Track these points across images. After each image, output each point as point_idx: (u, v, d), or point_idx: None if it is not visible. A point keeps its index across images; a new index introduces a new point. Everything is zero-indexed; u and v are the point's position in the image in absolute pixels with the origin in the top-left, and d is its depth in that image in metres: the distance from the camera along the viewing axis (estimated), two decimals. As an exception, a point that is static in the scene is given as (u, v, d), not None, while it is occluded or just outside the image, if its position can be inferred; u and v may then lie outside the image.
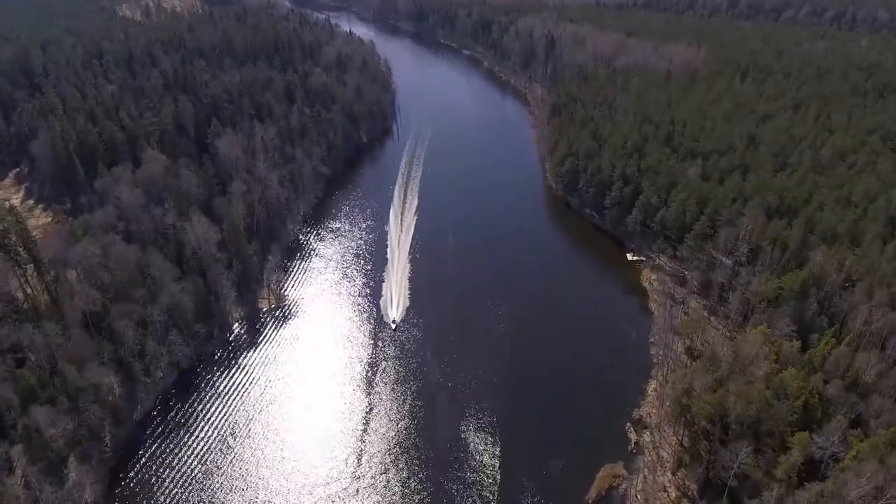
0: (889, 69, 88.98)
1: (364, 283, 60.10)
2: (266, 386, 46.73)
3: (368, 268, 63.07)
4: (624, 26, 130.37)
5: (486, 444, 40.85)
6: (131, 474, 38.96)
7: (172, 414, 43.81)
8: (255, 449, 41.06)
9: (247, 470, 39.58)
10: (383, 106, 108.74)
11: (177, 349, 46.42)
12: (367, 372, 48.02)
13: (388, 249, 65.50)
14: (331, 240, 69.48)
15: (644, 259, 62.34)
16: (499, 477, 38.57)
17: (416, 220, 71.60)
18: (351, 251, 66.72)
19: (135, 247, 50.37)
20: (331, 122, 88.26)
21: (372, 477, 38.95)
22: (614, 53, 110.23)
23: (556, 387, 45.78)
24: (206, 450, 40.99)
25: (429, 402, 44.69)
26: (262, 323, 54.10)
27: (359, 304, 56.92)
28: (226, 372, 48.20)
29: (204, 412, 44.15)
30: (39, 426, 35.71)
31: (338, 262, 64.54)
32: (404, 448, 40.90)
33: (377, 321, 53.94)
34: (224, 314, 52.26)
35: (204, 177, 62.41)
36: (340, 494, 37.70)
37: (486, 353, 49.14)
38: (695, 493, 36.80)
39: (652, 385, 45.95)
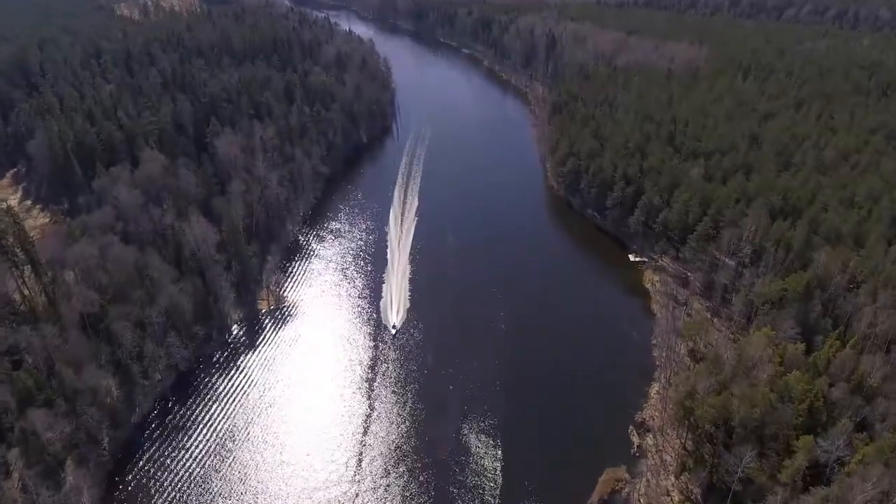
0: (891, 68, 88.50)
1: (364, 285, 59.78)
2: (265, 388, 46.43)
3: (368, 269, 62.72)
4: (625, 24, 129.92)
5: (488, 447, 40.56)
6: (129, 478, 38.64)
7: (171, 417, 43.49)
8: (255, 452, 40.77)
9: (246, 473, 39.28)
10: (383, 105, 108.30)
11: (175, 351, 46.06)
12: (367, 374, 47.72)
13: (388, 251, 65.18)
14: (330, 240, 69.11)
15: (646, 260, 61.97)
16: (500, 480, 38.29)
17: (417, 220, 71.24)
18: (351, 252, 66.37)
19: (133, 247, 49.98)
20: (330, 122, 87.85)
21: (372, 481, 38.63)
22: (615, 52, 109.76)
23: (557, 389, 45.49)
24: (205, 453, 40.68)
25: (429, 404, 44.40)
26: (262, 324, 53.78)
27: (359, 306, 56.60)
28: (225, 374, 47.88)
29: (203, 415, 43.83)
30: (36, 429, 35.35)
31: (337, 263, 64.18)
32: (405, 451, 40.59)
33: (377, 323, 53.63)
34: (223, 316, 51.92)
35: (203, 177, 62.02)
36: (340, 498, 37.40)
37: (487, 354, 48.81)
38: (698, 497, 36.52)
39: (654, 387, 45.64)
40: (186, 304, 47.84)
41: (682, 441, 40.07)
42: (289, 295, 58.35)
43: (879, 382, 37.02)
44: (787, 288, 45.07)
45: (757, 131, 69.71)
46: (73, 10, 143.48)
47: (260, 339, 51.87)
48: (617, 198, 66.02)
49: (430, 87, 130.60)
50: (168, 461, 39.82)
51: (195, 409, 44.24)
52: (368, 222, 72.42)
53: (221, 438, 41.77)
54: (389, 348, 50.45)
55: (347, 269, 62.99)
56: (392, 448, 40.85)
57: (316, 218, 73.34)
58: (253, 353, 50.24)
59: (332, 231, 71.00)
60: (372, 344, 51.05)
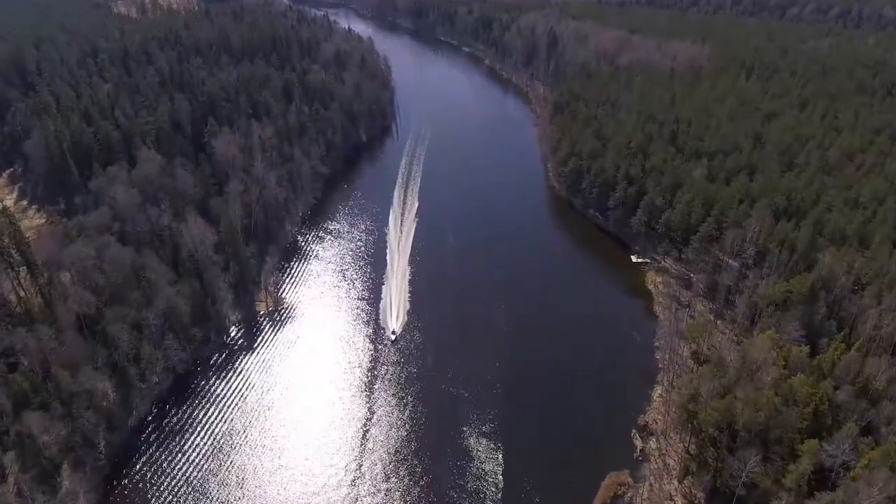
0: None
1: (363, 286, 59.32)
2: (263, 391, 46.01)
3: (368, 270, 62.26)
4: (627, 23, 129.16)
5: (489, 451, 40.16)
6: (126, 482, 38.23)
7: (168, 420, 43.05)
8: (253, 456, 40.35)
9: (244, 478, 38.86)
10: (383, 104, 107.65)
11: (172, 353, 45.60)
12: (367, 376, 47.31)
13: (388, 252, 64.66)
14: (330, 241, 68.61)
15: (649, 261, 61.53)
16: (501, 484, 37.93)
17: (416, 220, 70.77)
18: (350, 253, 65.87)
19: (130, 248, 49.47)
20: (329, 121, 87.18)
21: (372, 485, 38.24)
22: (617, 51, 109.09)
23: (559, 391, 45.13)
24: (203, 457, 40.27)
25: (429, 406, 44.01)
26: (260, 326, 53.33)
27: (358, 307, 56.15)
28: (223, 376, 47.43)
29: (200, 418, 43.40)
30: (32, 432, 35.02)
31: (337, 264, 63.70)
32: (405, 455, 40.20)
33: (376, 324, 53.21)
34: (221, 317, 51.44)
35: (200, 177, 61.50)
36: (340, 503, 36.99)
37: (487, 355, 48.41)
38: (702, 501, 36.18)
39: (657, 390, 45.25)
40: (184, 305, 47.38)
41: (686, 445, 39.70)
42: (287, 296, 57.89)
43: (885, 385, 36.78)
44: (792, 290, 44.74)
45: (760, 131, 69.32)
46: (71, 8, 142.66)
47: (258, 341, 51.43)
48: (619, 198, 65.54)
49: (431, 85, 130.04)
50: (165, 465, 39.43)
51: (193, 412, 43.81)
52: (368, 223, 71.93)
53: (219, 442, 41.36)
54: (389, 350, 50.04)
55: (347, 270, 62.53)
56: (392, 451, 40.46)
57: (315, 218, 72.84)
58: (251, 355, 49.81)
59: (331, 232, 70.53)
60: (371, 346, 50.65)
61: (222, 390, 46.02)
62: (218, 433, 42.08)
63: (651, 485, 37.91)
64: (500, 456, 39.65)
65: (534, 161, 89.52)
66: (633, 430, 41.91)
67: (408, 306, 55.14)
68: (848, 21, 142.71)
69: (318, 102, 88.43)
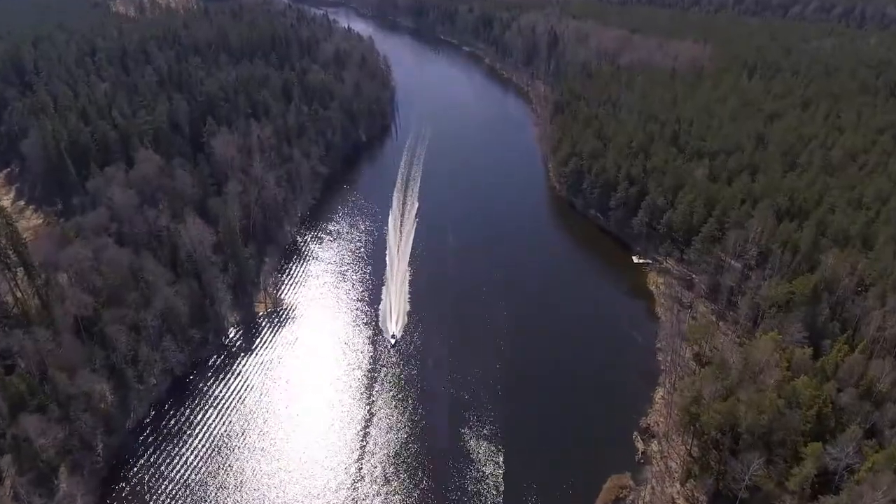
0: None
1: (363, 287, 59.01)
2: (263, 393, 45.72)
3: (368, 271, 61.94)
4: (628, 22, 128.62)
5: (489, 453, 39.91)
6: (124, 485, 37.95)
7: (166, 422, 42.77)
8: (251, 459, 40.07)
9: (242, 480, 38.59)
10: (382, 104, 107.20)
11: (171, 355, 45.33)
12: (366, 378, 47.02)
13: (387, 254, 64.24)
14: (329, 242, 68.27)
15: (650, 262, 61.23)
16: (502, 487, 37.68)
17: (416, 221, 70.43)
18: (350, 253, 65.56)
19: (128, 249, 49.17)
20: (329, 121, 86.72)
21: (371, 487, 37.98)
22: (618, 50, 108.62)
23: (560, 393, 44.84)
24: (201, 459, 39.99)
25: (429, 408, 43.73)
26: (259, 327, 53.03)
27: (358, 308, 55.85)
28: (221, 378, 47.12)
29: (199, 420, 43.11)
30: (29, 435, 34.72)
31: (336, 265, 63.37)
32: (405, 457, 39.93)
33: (376, 326, 52.92)
34: (219, 319, 51.12)
35: (199, 177, 61.18)
36: (339, 506, 36.83)
37: (488, 357, 48.18)
38: (704, 505, 35.92)
39: (659, 392, 44.97)
40: (182, 306, 47.07)
41: (688, 447, 39.46)
42: (286, 297, 57.56)
43: (889, 388, 36.54)
44: (795, 291, 44.45)
45: (763, 131, 68.98)
46: (69, 7, 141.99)
47: (257, 343, 51.12)
48: (620, 198, 65.24)
49: (431, 85, 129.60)
50: (163, 468, 39.15)
51: (191, 415, 43.53)
52: (367, 223, 71.62)
53: (218, 444, 41.08)
54: (388, 352, 49.75)
55: (346, 271, 62.20)
56: (392, 454, 40.20)
57: (314, 219, 72.47)
58: (250, 356, 49.51)
59: (330, 232, 70.16)
60: (371, 347, 50.34)
61: (221, 392, 45.73)
62: (216, 435, 41.80)
63: (653, 488, 37.66)
64: (501, 458, 39.41)
65: (534, 161, 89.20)
66: (635, 433, 41.64)
67: (408, 308, 54.82)
68: (850, 20, 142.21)
69: (317, 102, 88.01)
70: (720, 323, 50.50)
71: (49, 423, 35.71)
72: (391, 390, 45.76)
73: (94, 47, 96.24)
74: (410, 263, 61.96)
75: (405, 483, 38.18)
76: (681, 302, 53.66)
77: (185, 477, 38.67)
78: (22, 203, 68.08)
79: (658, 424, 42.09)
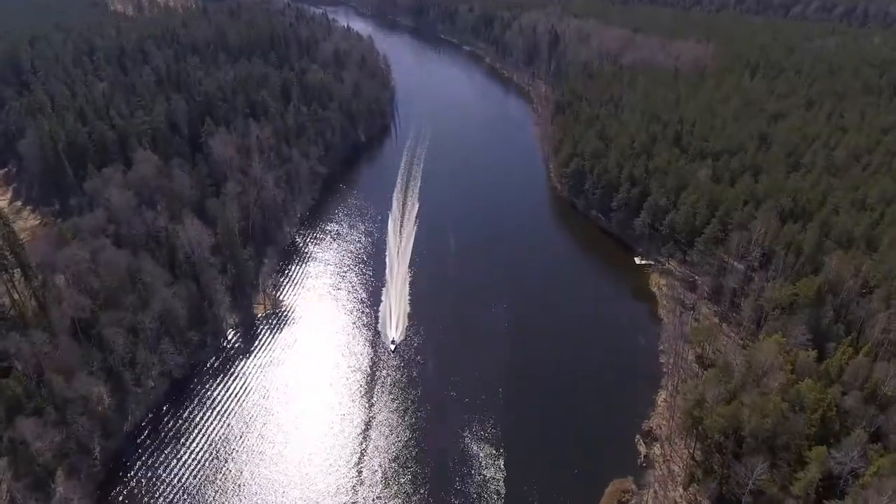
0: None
1: (363, 289, 58.64)
2: (262, 395, 45.35)
3: (367, 271, 61.57)
4: (630, 22, 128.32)
5: (490, 457, 39.58)
6: (121, 488, 37.59)
7: (164, 425, 42.40)
8: (251, 462, 39.74)
9: (241, 484, 38.25)
10: (382, 103, 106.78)
11: (169, 358, 44.92)
12: (367, 380, 46.65)
13: (387, 255, 63.81)
14: (328, 243, 67.87)
15: (653, 263, 60.92)
16: (503, 491, 37.37)
17: (416, 221, 70.04)
18: (349, 254, 65.15)
19: (125, 251, 48.76)
20: (328, 121, 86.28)
21: (372, 492, 37.64)
22: (620, 50, 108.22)
23: (561, 396, 44.50)
24: (200, 463, 39.64)
25: (430, 410, 43.40)
26: (258, 330, 52.64)
27: (357, 310, 55.48)
28: (220, 381, 46.74)
29: (197, 423, 42.73)
30: (25, 439, 34.40)
31: (336, 267, 62.98)
32: (406, 461, 39.60)
33: (376, 328, 52.54)
34: (218, 321, 50.74)
35: (197, 178, 60.71)
36: (339, 511, 36.53)
37: (488, 358, 47.87)
38: (708, 509, 35.59)
39: (661, 395, 44.62)
40: (180, 308, 46.67)
41: (691, 451, 39.10)
42: (286, 299, 57.20)
43: (894, 391, 36.17)
44: (798, 293, 44.11)
45: (766, 131, 68.61)
46: (67, 7, 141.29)
47: (256, 345, 50.75)
48: (622, 199, 64.88)
49: (431, 84, 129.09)
50: (161, 471, 38.80)
51: (189, 418, 43.17)
52: (367, 224, 71.23)
53: (216, 448, 40.73)
54: (388, 354, 49.36)
55: (346, 272, 61.81)
56: (392, 457, 39.87)
57: (313, 220, 72.06)
58: (249, 358, 49.13)
59: (330, 233, 69.76)
60: (371, 349, 49.99)
61: (219, 395, 45.36)
62: (215, 439, 41.45)
63: (655, 492, 37.31)
64: (502, 462, 39.09)
65: (535, 161, 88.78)
66: (637, 436, 41.30)
67: (408, 309, 54.45)
68: (853, 19, 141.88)
69: (316, 102, 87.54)
70: (723, 325, 50.12)
71: (46, 426, 35.39)
72: (391, 392, 45.42)
73: (91, 46, 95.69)
74: (410, 264, 61.59)
75: (406, 487, 37.83)
76: (683, 304, 53.33)
77: (183, 481, 38.34)
78: (19, 204, 67.56)
79: (660, 427, 41.75)
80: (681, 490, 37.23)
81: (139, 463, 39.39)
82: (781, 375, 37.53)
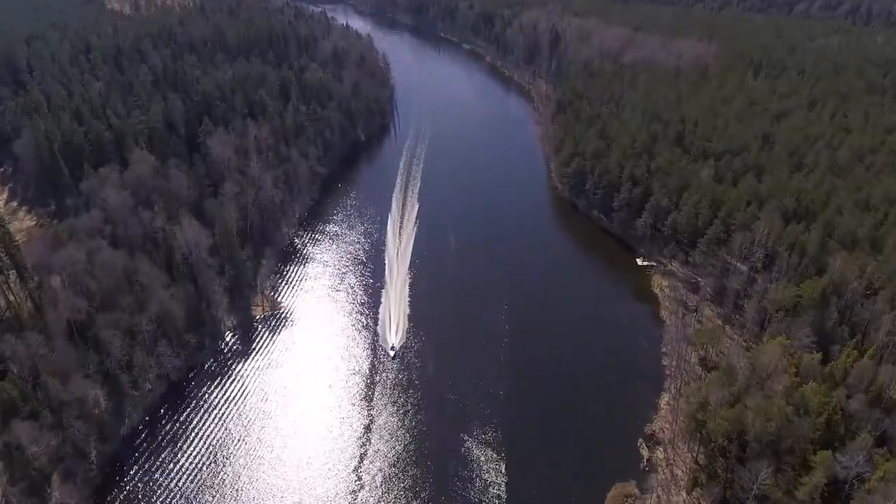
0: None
1: (362, 290, 58.21)
2: (260, 398, 44.93)
3: (367, 273, 61.11)
4: (631, 20, 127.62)
5: (491, 460, 39.21)
6: (117, 492, 37.18)
7: (161, 429, 41.98)
8: (249, 466, 39.34)
9: (239, 489, 37.87)
10: (382, 102, 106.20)
11: (166, 360, 44.49)
12: (366, 382, 46.26)
13: (387, 256, 63.33)
14: (328, 243, 67.42)
15: (654, 264, 60.47)
16: (504, 495, 37.01)
17: (416, 221, 69.58)
18: (349, 255, 64.71)
19: (122, 252, 48.27)
20: (327, 120, 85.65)
21: (371, 496, 37.26)
22: (621, 48, 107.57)
23: (563, 398, 44.13)
24: (197, 467, 39.23)
25: (430, 413, 43.03)
26: (256, 331, 52.19)
27: (357, 312, 55.06)
28: (218, 383, 46.32)
29: (195, 427, 42.31)
30: (21, 442, 34.01)
31: (335, 268, 62.54)
32: (405, 464, 39.23)
33: (376, 329, 52.12)
34: (216, 322, 50.31)
35: (195, 178, 60.17)
36: (338, 516, 36.18)
37: (489, 360, 47.51)
38: (711, 514, 35.25)
39: (664, 398, 44.24)
40: (178, 310, 46.23)
41: (694, 455, 38.78)
42: (284, 300, 56.77)
43: (900, 394, 35.70)
44: (802, 294, 43.74)
45: (769, 131, 68.09)
46: (64, 6, 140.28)
47: (254, 347, 50.32)
48: (624, 199, 64.45)
49: (431, 83, 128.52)
50: (158, 475, 38.41)
51: (187, 421, 42.74)
52: (367, 224, 70.76)
53: (214, 451, 40.34)
54: (388, 356, 48.93)
55: (345, 273, 61.34)
56: (392, 461, 39.50)
57: (312, 220, 71.56)
58: (247, 361, 48.72)
59: (329, 234, 69.31)
60: (370, 352, 49.58)
61: (217, 398, 44.93)
62: (213, 442, 41.04)
63: (658, 496, 36.98)
64: (503, 466, 38.73)
65: (536, 160, 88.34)
66: (640, 439, 40.95)
67: (408, 311, 54.03)
68: (857, 18, 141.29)
69: (315, 101, 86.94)
70: (726, 327, 49.74)
71: (41, 429, 35.00)
72: (390, 395, 45.04)
73: (88, 45, 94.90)
74: (410, 265, 61.19)
75: (406, 491, 37.49)
76: (686, 305, 52.98)
77: (180, 485, 37.95)
78: (14, 204, 67.03)
79: (663, 431, 41.40)
80: (684, 494, 36.90)
81: (136, 467, 38.96)
82: (785, 378, 37.16)
